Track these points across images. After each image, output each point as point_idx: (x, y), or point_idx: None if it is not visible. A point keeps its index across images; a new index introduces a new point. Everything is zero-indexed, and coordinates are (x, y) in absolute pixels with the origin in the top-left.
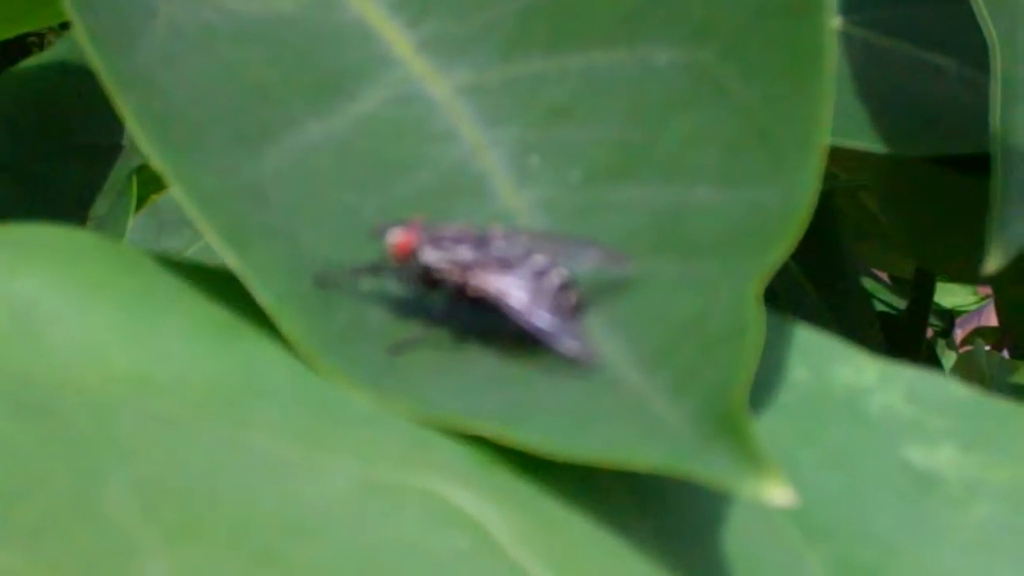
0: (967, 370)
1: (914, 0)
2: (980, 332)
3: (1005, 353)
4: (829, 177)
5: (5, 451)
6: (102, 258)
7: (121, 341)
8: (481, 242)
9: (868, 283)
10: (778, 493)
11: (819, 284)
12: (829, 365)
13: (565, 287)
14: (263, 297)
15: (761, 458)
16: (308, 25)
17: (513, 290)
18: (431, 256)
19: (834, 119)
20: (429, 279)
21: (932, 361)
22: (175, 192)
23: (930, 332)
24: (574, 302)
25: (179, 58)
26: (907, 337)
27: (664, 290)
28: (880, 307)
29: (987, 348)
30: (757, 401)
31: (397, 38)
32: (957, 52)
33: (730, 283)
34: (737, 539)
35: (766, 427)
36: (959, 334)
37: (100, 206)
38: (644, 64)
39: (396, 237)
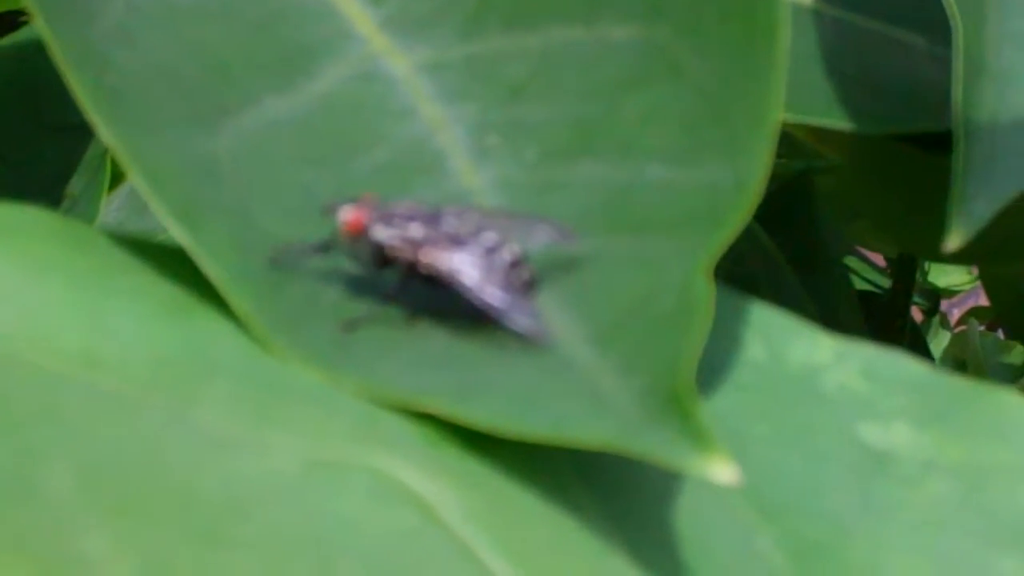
0: (961, 350)
1: None
2: (975, 312)
3: (1000, 333)
4: (812, 156)
5: None
6: (53, 236)
7: (69, 319)
8: (432, 219)
9: (853, 262)
10: (724, 471)
11: (799, 265)
12: (785, 342)
13: (516, 264)
14: (214, 274)
15: (707, 436)
16: (271, 1)
17: (464, 267)
18: (382, 233)
19: (802, 97)
20: (381, 256)
21: (916, 341)
22: (126, 167)
23: (921, 316)
24: (526, 279)
25: (137, 34)
26: (890, 317)
27: (615, 268)
28: (866, 287)
29: (981, 328)
30: (712, 378)
31: (359, 15)
32: (926, 30)
33: (681, 261)
34: (688, 517)
35: (721, 404)
36: (955, 314)
37: (75, 184)
38: (601, 41)
39: (347, 214)
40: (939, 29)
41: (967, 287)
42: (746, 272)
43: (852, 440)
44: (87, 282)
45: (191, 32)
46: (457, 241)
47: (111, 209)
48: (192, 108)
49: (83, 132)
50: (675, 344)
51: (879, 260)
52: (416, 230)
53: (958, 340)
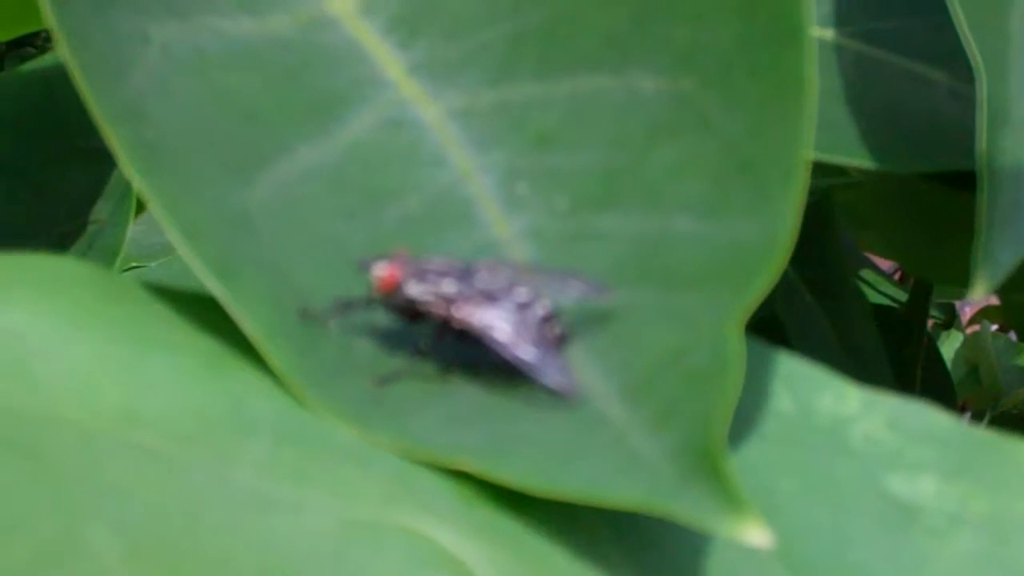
0: (974, 352)
1: (906, 12)
2: (987, 312)
3: (1012, 335)
4: (834, 172)
5: None
6: (91, 288)
7: (109, 374)
8: (465, 275)
9: (870, 275)
10: (756, 533)
11: (815, 286)
12: (812, 394)
13: (548, 319)
14: (250, 329)
15: (739, 497)
16: (302, 47)
17: (497, 322)
18: (415, 289)
19: (824, 134)
20: (414, 312)
21: (932, 355)
22: (163, 222)
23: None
24: (557, 334)
25: (172, 85)
26: (906, 331)
27: (647, 322)
28: (882, 300)
29: (994, 328)
30: (740, 430)
31: (389, 60)
32: (948, 65)
33: (712, 317)
34: (718, 573)
35: (749, 457)
36: (967, 312)
37: (101, 209)
38: (629, 91)
39: (381, 271)
40: (960, 64)
41: None
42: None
43: (879, 492)
44: (125, 336)
45: (225, 80)
46: (490, 296)
47: (132, 232)
48: (227, 159)
49: (110, 156)
50: (707, 402)
51: (886, 264)
52: (449, 286)
53: (971, 342)
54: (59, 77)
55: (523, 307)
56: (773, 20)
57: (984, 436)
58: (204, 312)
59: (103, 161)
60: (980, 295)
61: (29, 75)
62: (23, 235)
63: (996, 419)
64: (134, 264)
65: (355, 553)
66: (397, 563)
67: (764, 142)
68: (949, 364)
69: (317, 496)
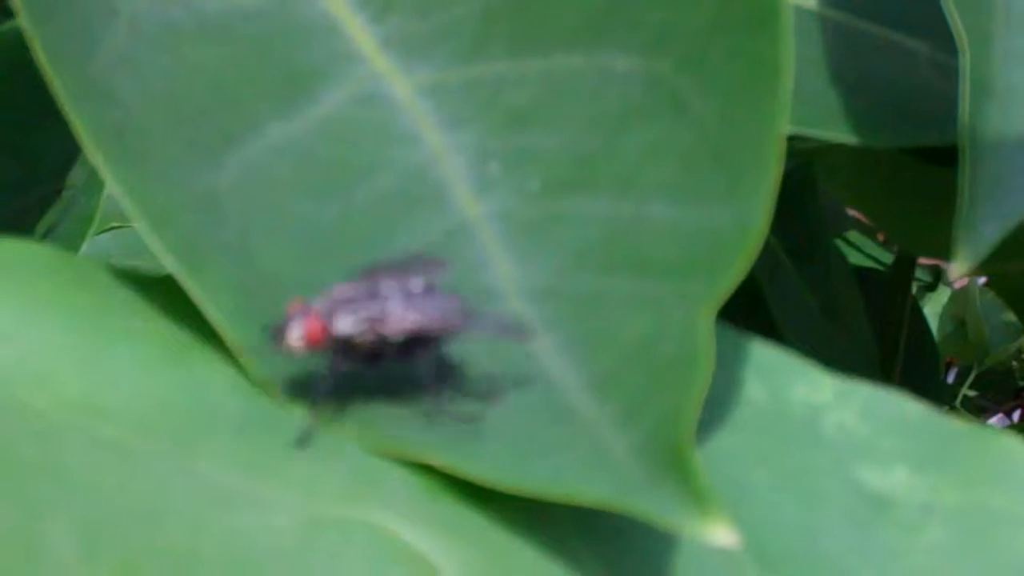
0: (961, 307)
1: None
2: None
3: None
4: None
5: None
6: (54, 273)
7: (71, 363)
8: (370, 291)
9: (855, 237)
10: (721, 533)
11: (796, 255)
12: (785, 383)
13: (451, 292)
14: (215, 318)
15: (705, 496)
16: (274, 19)
17: (418, 315)
18: (344, 325)
19: (803, 106)
20: (352, 349)
21: (917, 318)
22: (127, 208)
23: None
24: (464, 299)
25: (140, 61)
26: (891, 295)
27: (617, 310)
28: (868, 262)
29: (981, 282)
30: (712, 420)
31: (361, 33)
32: (930, 35)
33: (682, 306)
34: (686, 568)
35: (720, 446)
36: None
37: (77, 174)
38: (603, 71)
39: (300, 329)
40: (941, 34)
41: None
42: None
43: (851, 484)
44: (87, 323)
45: (194, 56)
46: (388, 298)
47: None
48: (195, 138)
49: None
50: (676, 396)
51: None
52: (365, 308)
53: (957, 297)
54: None
55: (427, 291)
56: (748, 2)
57: (957, 426)
58: (169, 297)
59: None
60: (962, 271)
61: (3, 37)
62: (1, 197)
63: (983, 375)
64: (115, 225)
65: (318, 549)
66: (361, 560)
67: (738, 128)
68: (936, 320)
69: (280, 491)
